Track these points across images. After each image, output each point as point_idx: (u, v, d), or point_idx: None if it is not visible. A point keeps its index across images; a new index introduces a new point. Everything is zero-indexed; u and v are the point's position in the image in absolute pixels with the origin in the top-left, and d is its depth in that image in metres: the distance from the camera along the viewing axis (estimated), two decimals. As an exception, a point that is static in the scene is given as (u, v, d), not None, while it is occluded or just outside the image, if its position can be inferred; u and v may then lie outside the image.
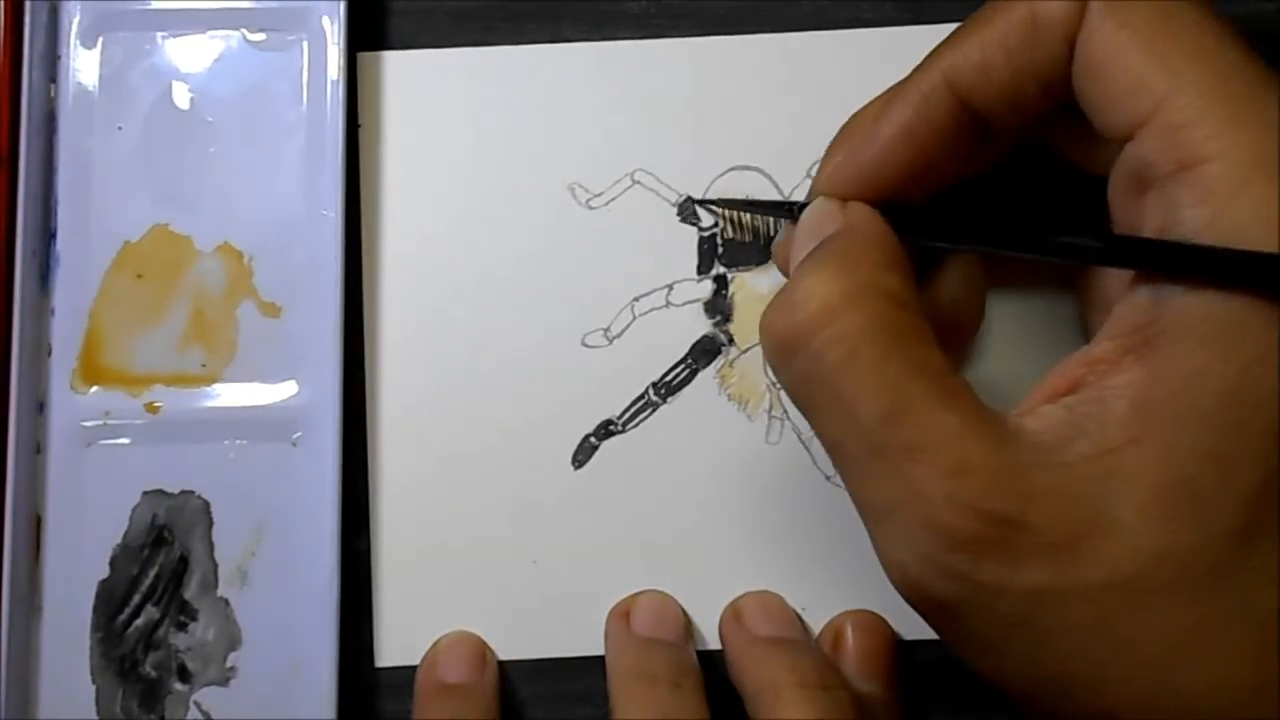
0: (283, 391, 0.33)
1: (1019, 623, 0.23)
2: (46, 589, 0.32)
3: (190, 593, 0.33)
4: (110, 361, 0.33)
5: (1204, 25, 0.24)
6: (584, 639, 0.33)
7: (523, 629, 0.33)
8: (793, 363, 0.25)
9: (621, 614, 0.33)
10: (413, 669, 0.33)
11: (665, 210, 0.34)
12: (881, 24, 0.35)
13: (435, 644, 0.33)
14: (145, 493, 0.33)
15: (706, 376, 0.34)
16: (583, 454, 0.34)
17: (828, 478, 0.34)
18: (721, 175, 0.34)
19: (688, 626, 0.33)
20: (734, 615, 0.33)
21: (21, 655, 0.32)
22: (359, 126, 0.34)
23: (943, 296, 0.29)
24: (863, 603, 0.33)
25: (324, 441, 0.32)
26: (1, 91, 0.33)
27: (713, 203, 0.34)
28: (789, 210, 0.31)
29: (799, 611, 0.33)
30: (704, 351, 0.34)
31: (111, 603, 0.33)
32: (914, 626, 0.33)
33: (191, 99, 0.34)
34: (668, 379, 0.34)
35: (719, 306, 0.34)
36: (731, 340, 0.34)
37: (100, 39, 0.34)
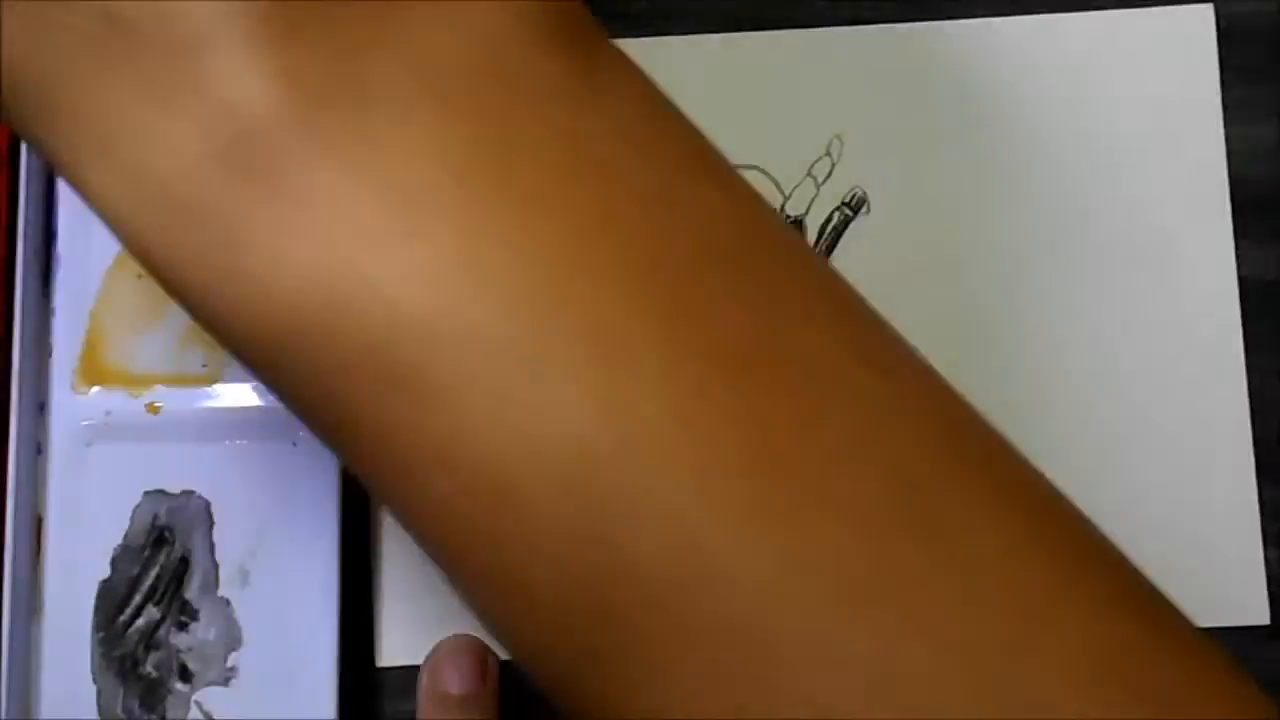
0: (283, 391, 0.33)
1: None
2: (47, 589, 0.32)
3: (191, 593, 0.33)
4: (111, 361, 0.33)
5: None
6: (585, 639, 0.33)
7: (523, 629, 0.33)
8: None
9: (430, 672, 0.32)
10: (413, 669, 0.33)
11: (665, 210, 0.34)
12: (881, 23, 0.34)
13: (436, 648, 0.33)
14: (146, 493, 0.33)
15: (707, 376, 0.34)
16: (583, 454, 0.34)
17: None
18: (722, 175, 0.34)
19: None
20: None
21: (22, 655, 0.32)
22: (359, 126, 0.34)
23: None
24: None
25: (325, 441, 0.32)
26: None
27: None
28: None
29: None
30: (704, 351, 0.34)
31: (112, 603, 0.33)
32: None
33: (192, 99, 0.34)
34: (668, 379, 0.34)
35: (719, 306, 0.34)
36: (732, 340, 0.34)
37: (101, 39, 0.34)
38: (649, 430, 0.17)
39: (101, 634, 0.32)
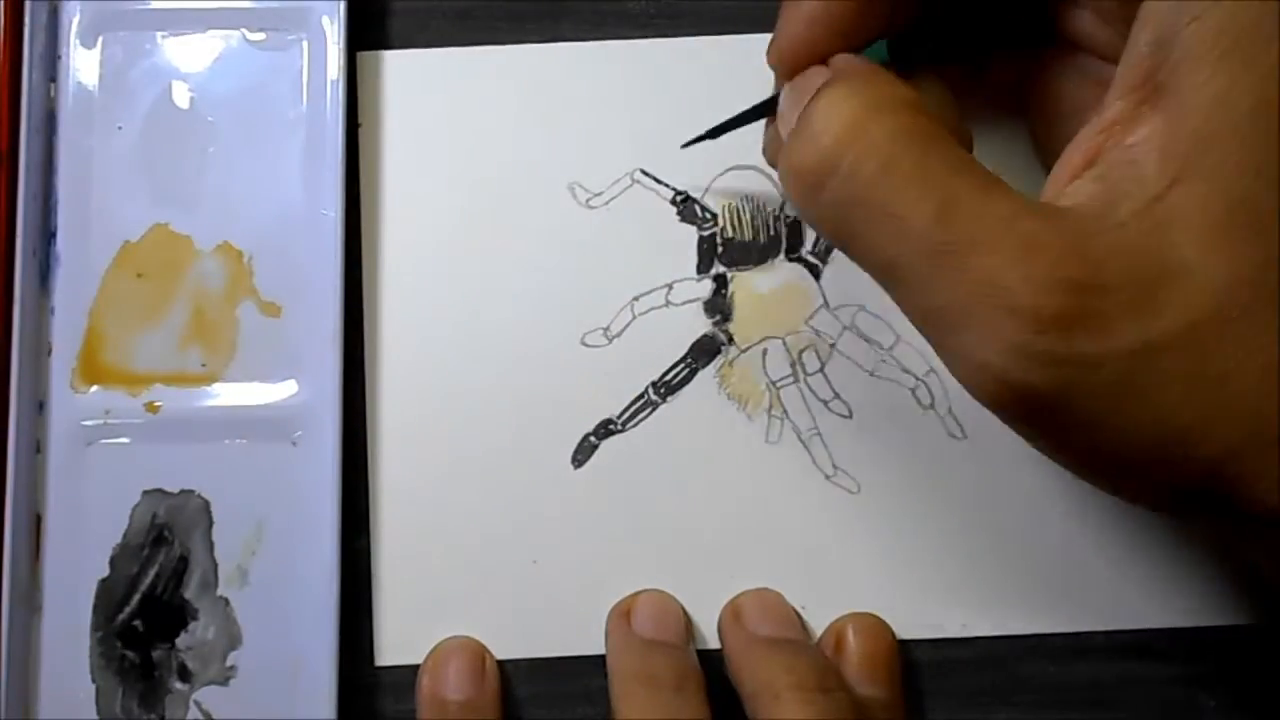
0: (283, 391, 0.33)
1: (1120, 390, 0.22)
2: (46, 588, 0.32)
3: (190, 592, 0.33)
4: (110, 361, 0.33)
5: None
6: (584, 638, 0.33)
7: (522, 628, 0.33)
8: (824, 192, 0.25)
9: (623, 614, 0.33)
10: (413, 668, 0.33)
11: (665, 210, 0.34)
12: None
13: (435, 650, 0.33)
14: (145, 492, 0.33)
15: (706, 376, 0.34)
16: (582, 453, 0.34)
17: (827, 477, 0.34)
18: (721, 175, 0.34)
19: (688, 626, 0.33)
20: (733, 614, 0.33)
21: (21, 654, 0.32)
22: (359, 126, 0.34)
23: None
24: (863, 602, 0.33)
25: (324, 441, 0.32)
26: (1, 91, 0.33)
27: (702, 138, 0.32)
28: (773, 107, 0.30)
29: (799, 610, 0.33)
30: (704, 351, 0.34)
31: (111, 602, 0.33)
32: (912, 626, 0.33)
33: (191, 99, 0.34)
34: (667, 378, 0.34)
35: (719, 306, 0.34)
36: (731, 339, 0.34)
37: (100, 38, 0.34)
38: None
39: (100, 633, 0.32)
